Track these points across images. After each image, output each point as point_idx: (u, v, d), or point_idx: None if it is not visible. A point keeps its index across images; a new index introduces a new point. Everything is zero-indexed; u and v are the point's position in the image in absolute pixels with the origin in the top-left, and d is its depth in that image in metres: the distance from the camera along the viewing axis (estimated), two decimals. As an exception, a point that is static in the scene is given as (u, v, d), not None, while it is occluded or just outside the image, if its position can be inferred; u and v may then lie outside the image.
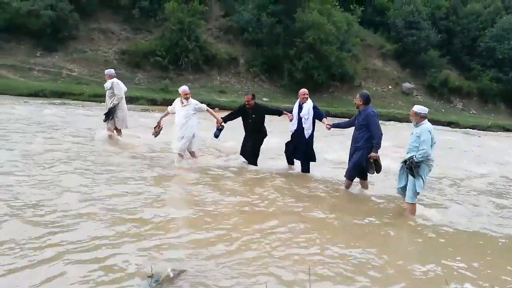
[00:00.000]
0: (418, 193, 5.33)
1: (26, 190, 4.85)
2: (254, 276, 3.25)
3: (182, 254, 3.47)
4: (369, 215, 5.24)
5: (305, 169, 7.36)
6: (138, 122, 12.89)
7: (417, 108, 5.32)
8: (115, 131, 9.06)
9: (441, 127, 24.71)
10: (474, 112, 33.84)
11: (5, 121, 10.54)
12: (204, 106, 7.47)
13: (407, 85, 33.55)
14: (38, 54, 25.82)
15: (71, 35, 27.19)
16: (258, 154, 7.52)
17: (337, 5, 30.64)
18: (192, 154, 7.47)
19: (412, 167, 5.15)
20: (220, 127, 7.29)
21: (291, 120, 7.20)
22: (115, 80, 8.87)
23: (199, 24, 28.37)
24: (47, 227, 3.84)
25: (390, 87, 33.53)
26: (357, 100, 6.19)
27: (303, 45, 28.80)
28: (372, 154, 5.81)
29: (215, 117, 7.38)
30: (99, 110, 12.23)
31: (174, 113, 7.34)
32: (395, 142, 13.80)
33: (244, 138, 7.56)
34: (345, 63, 30.03)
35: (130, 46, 27.93)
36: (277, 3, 30.00)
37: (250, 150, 7.42)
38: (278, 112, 7.69)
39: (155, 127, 7.65)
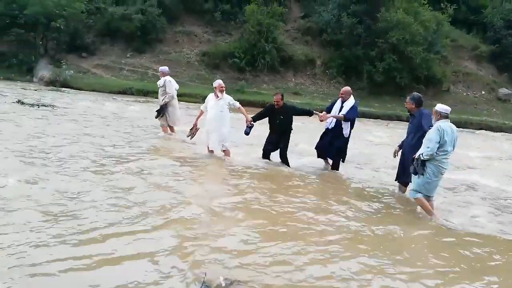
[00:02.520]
0: (419, 192, 5.09)
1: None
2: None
3: (236, 262, 3.24)
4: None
5: (336, 166, 7.25)
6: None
7: (439, 107, 5.11)
8: (168, 128, 9.17)
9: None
10: None
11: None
12: (237, 103, 7.40)
13: (504, 90, 30.07)
14: (128, 55, 27.92)
15: (158, 38, 28.96)
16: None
17: (426, 4, 28.50)
18: (226, 152, 7.31)
19: (417, 165, 4.98)
20: (250, 125, 7.16)
21: (321, 121, 7.03)
22: (167, 78, 8.87)
23: (277, 25, 28.40)
24: (96, 225, 3.87)
25: (483, 92, 30.34)
26: (408, 103, 5.84)
27: (385, 46, 27.31)
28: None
29: (245, 115, 7.26)
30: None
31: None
32: (484, 154, 12.33)
33: (268, 137, 7.34)
34: (432, 65, 27.84)
35: (211, 48, 28.93)
36: (360, 3, 28.85)
37: (283, 151, 7.22)
38: (308, 113, 7.35)
39: (191, 129, 7.67)
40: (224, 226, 4.04)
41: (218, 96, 7.23)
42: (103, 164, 5.96)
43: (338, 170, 7.28)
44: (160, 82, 8.97)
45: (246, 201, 4.96)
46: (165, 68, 9.20)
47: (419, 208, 5.32)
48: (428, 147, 4.91)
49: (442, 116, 5.05)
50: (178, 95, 9.19)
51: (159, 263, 3.14)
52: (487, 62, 32.05)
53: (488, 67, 32.03)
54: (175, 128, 9.28)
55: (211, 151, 7.42)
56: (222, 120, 7.18)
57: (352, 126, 7.02)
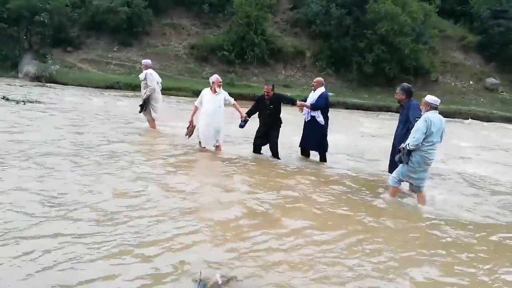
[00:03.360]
0: (400, 179, 5.31)
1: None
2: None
3: (233, 259, 3.17)
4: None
5: (323, 158, 7.34)
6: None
7: (429, 98, 5.18)
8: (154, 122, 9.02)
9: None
10: None
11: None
12: (232, 99, 7.43)
13: (491, 80, 30.39)
14: (115, 49, 27.44)
15: (145, 31, 28.50)
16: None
17: (413, -6, 28.57)
18: (218, 147, 7.31)
19: (403, 154, 5.08)
20: (244, 119, 7.22)
21: (300, 109, 7.13)
22: (149, 71, 8.78)
23: (266, 17, 28.18)
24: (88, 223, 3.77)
25: (471, 82, 30.63)
26: (398, 94, 5.86)
27: (374, 37, 27.34)
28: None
29: (239, 111, 7.31)
30: (166, 103, 12.46)
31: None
32: (475, 143, 12.45)
33: (258, 131, 7.36)
34: (420, 56, 27.98)
35: (199, 41, 28.58)
36: (348, -6, 28.77)
37: (274, 144, 7.24)
38: (291, 100, 7.38)
39: (187, 127, 7.57)
40: (218, 223, 3.97)
41: (216, 91, 7.13)
42: (93, 162, 5.82)
43: (325, 161, 7.34)
44: (141, 76, 8.89)
45: (240, 196, 4.90)
46: (147, 61, 9.11)
47: (414, 196, 5.35)
48: (414, 137, 4.97)
49: (432, 107, 5.10)
50: (167, 89, 9.05)
51: (153, 261, 3.05)
52: (474, 52, 32.31)
53: (475, 57, 32.30)
54: (156, 122, 9.09)
55: (203, 147, 7.32)
56: (219, 115, 7.12)
57: (326, 115, 7.08)
